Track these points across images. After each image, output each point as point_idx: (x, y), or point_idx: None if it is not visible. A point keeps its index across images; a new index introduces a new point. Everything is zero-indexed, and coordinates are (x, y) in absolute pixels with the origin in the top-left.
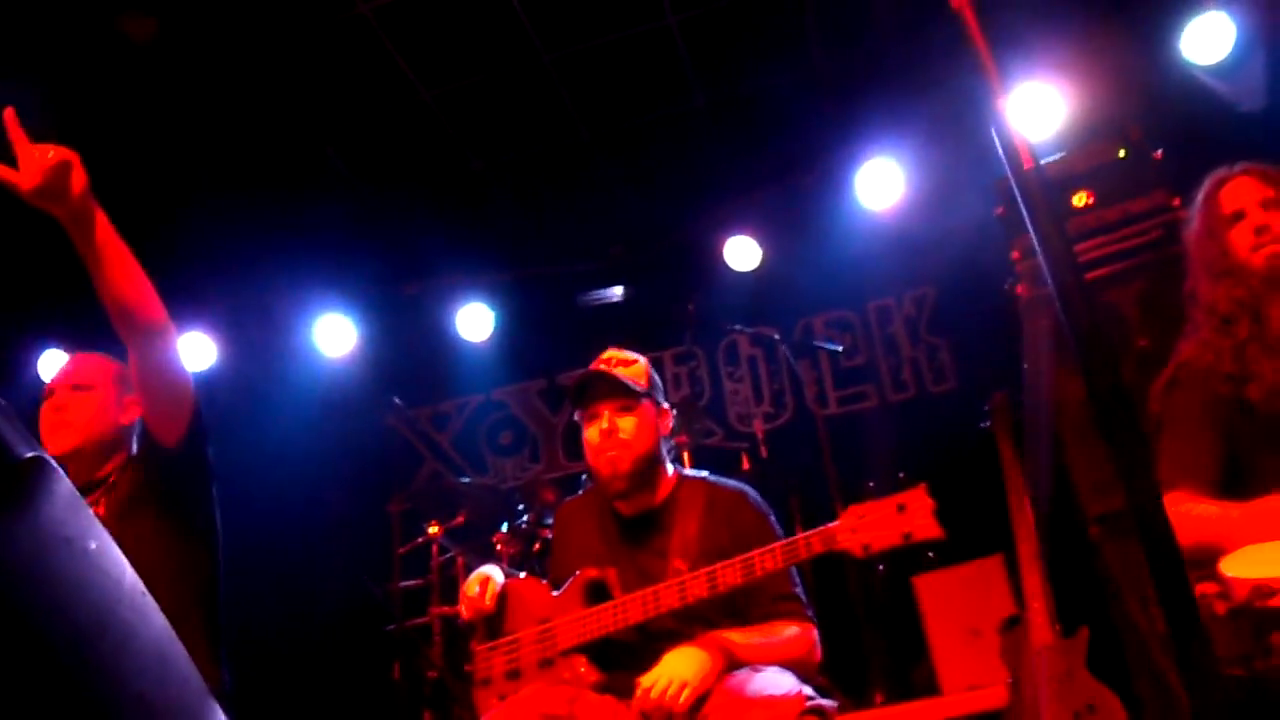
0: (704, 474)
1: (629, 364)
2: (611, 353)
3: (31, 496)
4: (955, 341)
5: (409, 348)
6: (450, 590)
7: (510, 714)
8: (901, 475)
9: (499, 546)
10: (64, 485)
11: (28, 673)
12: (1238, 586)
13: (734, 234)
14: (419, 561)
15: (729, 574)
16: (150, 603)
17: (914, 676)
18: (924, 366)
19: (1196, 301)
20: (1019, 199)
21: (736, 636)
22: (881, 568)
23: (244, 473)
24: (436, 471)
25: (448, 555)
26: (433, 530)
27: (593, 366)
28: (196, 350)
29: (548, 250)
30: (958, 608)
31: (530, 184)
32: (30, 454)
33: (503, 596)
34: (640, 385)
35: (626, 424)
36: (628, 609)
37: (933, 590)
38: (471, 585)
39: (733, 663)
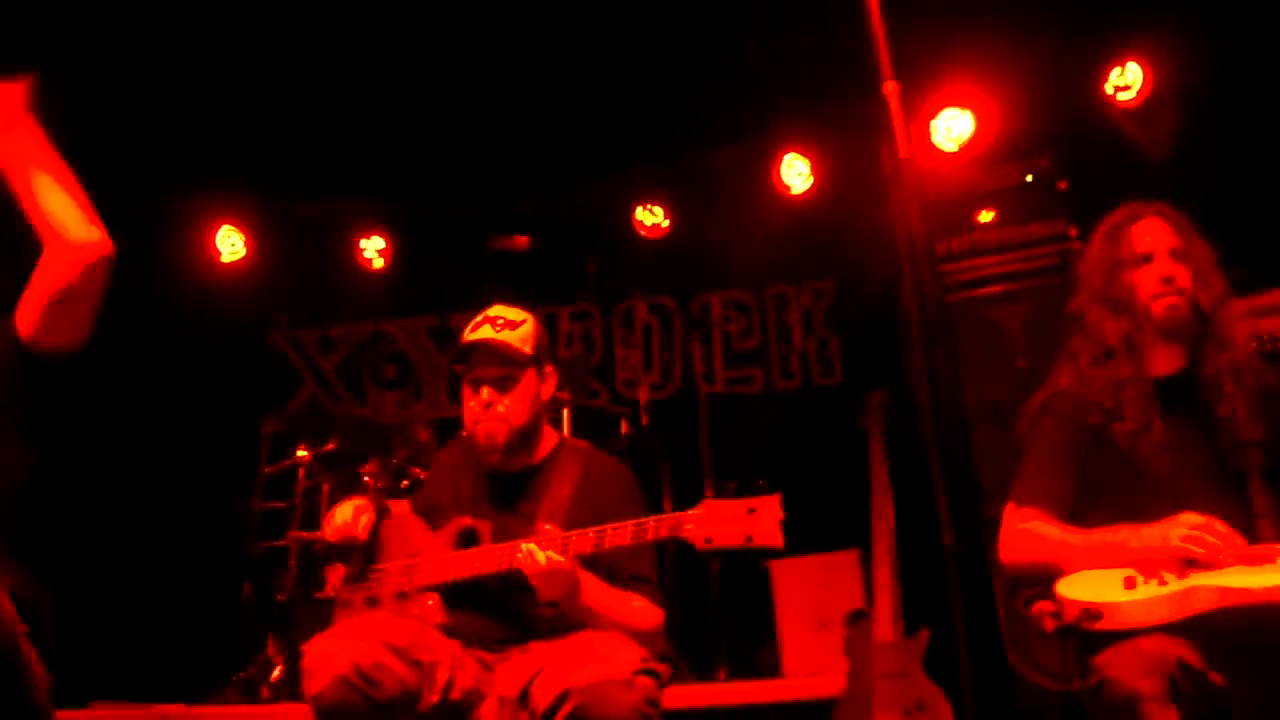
0: (586, 445)
1: (515, 325)
2: (499, 310)
3: None
4: (847, 337)
5: (303, 266)
6: (312, 516)
7: (353, 631)
8: (762, 482)
9: (366, 479)
10: None
11: None
12: (1069, 607)
13: (647, 199)
14: (284, 484)
15: (581, 541)
16: None
17: (759, 657)
18: (812, 358)
19: (1081, 327)
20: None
21: (591, 578)
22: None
23: (118, 364)
24: (314, 395)
25: (313, 481)
26: (302, 454)
27: (479, 323)
28: None
29: (458, 189)
30: (809, 596)
31: (450, 117)
32: None
33: (375, 531)
34: (524, 351)
35: (506, 397)
36: (486, 559)
37: (787, 576)
38: (345, 510)
39: (578, 590)
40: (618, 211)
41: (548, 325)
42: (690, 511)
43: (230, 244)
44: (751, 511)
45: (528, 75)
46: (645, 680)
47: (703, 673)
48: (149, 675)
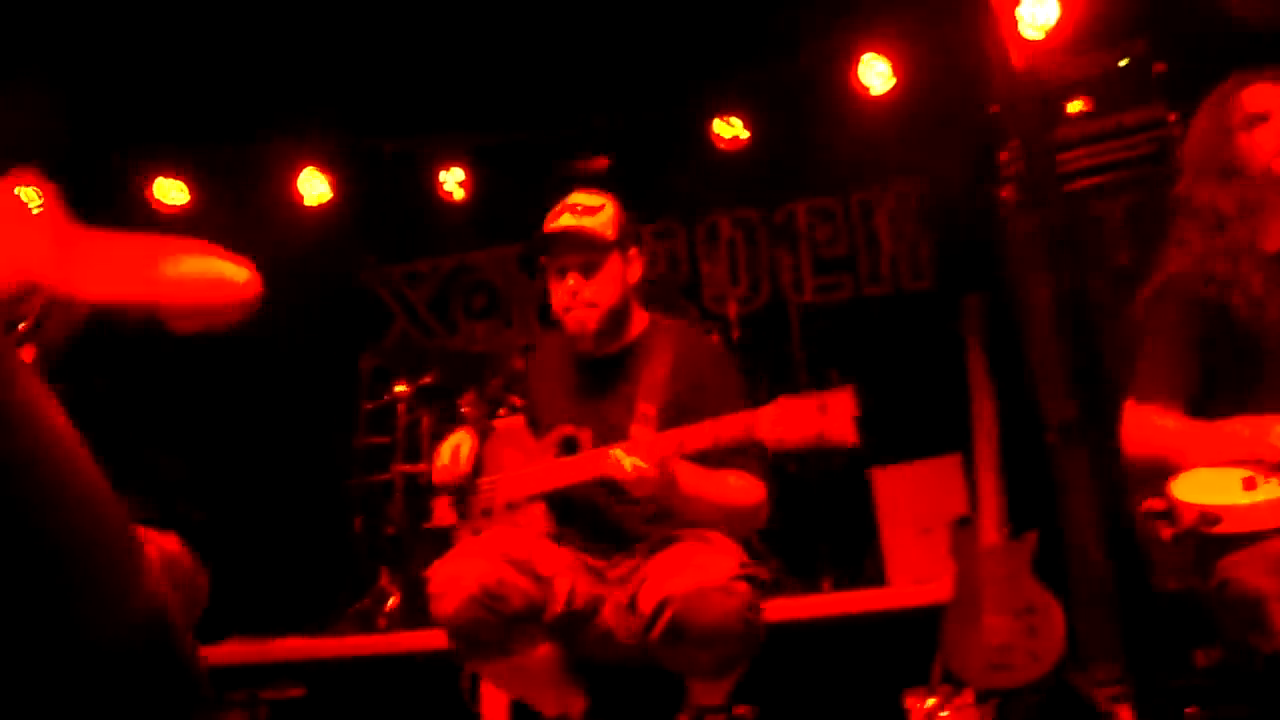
0: (679, 322)
1: (595, 211)
2: (577, 197)
3: None
4: (935, 239)
5: (387, 204)
6: (414, 449)
7: (474, 551)
8: (835, 373)
9: (465, 409)
10: None
11: None
12: (1185, 511)
13: (724, 110)
14: (384, 419)
15: (665, 445)
16: None
17: (863, 566)
18: (902, 262)
19: (1190, 205)
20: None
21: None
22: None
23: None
24: (407, 330)
25: (413, 415)
26: (400, 389)
27: (558, 211)
28: (169, 192)
29: (534, 113)
30: (912, 503)
31: (519, 40)
32: None
33: (479, 455)
34: (608, 235)
35: (592, 282)
36: (581, 466)
37: (889, 483)
38: (444, 453)
39: (673, 484)
40: (695, 125)
41: None
42: (762, 410)
43: (313, 187)
44: (823, 408)
45: None
46: (743, 586)
47: (807, 584)
48: (268, 610)
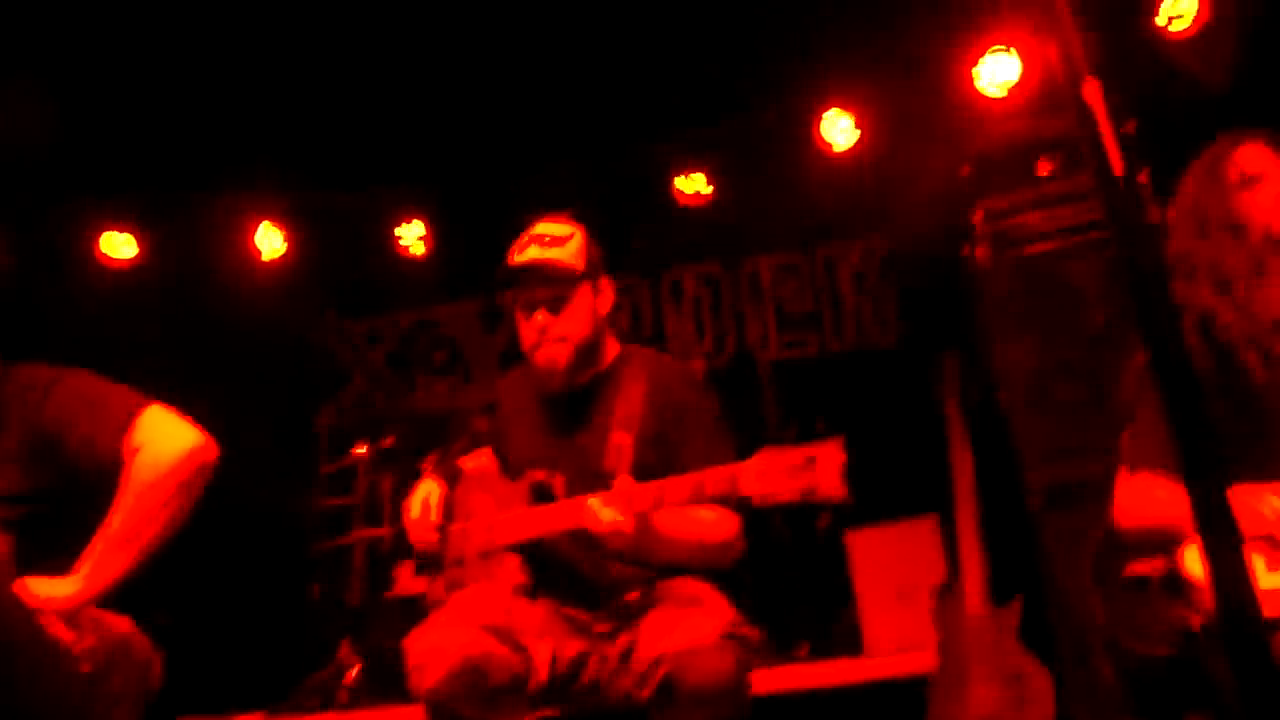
0: (650, 350)
1: (562, 241)
2: (543, 227)
3: None
4: (902, 296)
5: (344, 259)
6: (374, 513)
7: (453, 620)
8: (820, 425)
9: (428, 471)
10: None
11: None
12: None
13: (688, 165)
14: (344, 482)
15: (642, 498)
16: None
17: (839, 633)
18: (868, 318)
19: (1190, 262)
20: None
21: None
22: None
23: (171, 373)
24: (367, 389)
25: (374, 477)
26: (360, 450)
27: (523, 243)
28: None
29: (494, 168)
30: (888, 566)
31: (480, 93)
32: None
33: (448, 506)
34: (577, 267)
35: (561, 317)
36: (555, 517)
37: (864, 547)
38: (415, 506)
39: (647, 533)
40: (659, 180)
41: None
42: (746, 463)
43: (270, 241)
44: (811, 461)
45: (555, 49)
46: (735, 645)
47: (782, 652)
48: (222, 684)
